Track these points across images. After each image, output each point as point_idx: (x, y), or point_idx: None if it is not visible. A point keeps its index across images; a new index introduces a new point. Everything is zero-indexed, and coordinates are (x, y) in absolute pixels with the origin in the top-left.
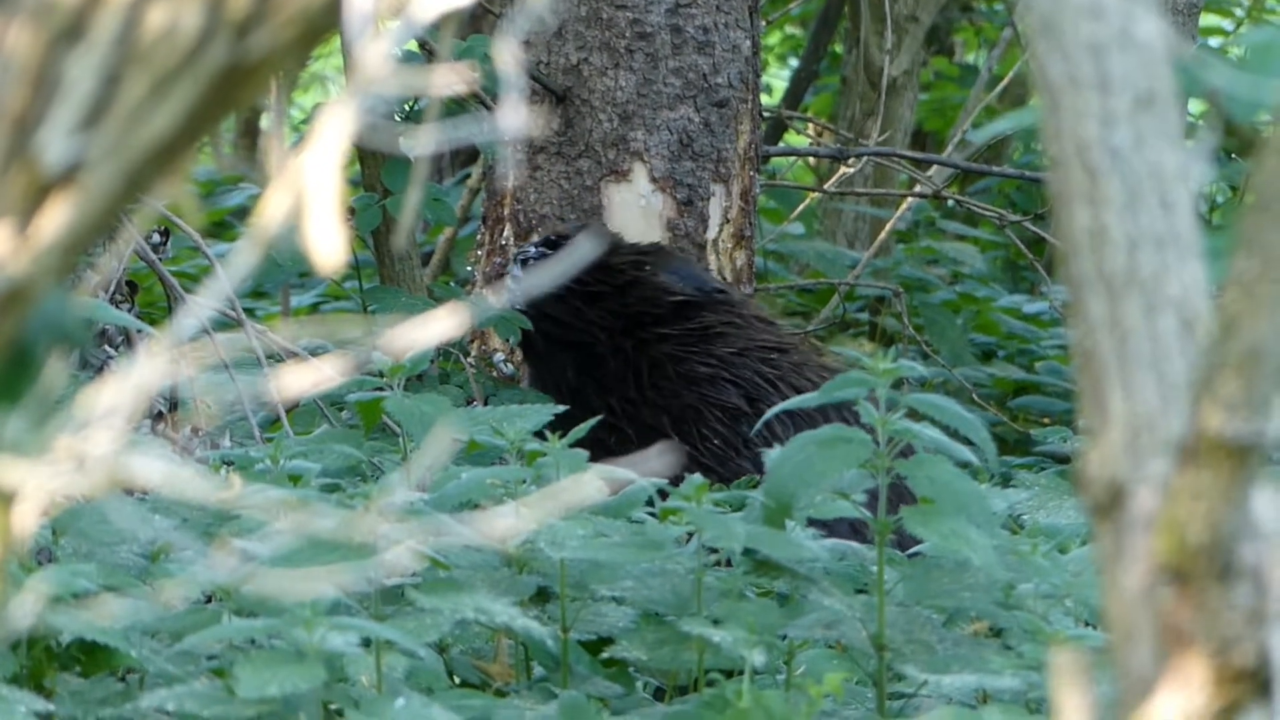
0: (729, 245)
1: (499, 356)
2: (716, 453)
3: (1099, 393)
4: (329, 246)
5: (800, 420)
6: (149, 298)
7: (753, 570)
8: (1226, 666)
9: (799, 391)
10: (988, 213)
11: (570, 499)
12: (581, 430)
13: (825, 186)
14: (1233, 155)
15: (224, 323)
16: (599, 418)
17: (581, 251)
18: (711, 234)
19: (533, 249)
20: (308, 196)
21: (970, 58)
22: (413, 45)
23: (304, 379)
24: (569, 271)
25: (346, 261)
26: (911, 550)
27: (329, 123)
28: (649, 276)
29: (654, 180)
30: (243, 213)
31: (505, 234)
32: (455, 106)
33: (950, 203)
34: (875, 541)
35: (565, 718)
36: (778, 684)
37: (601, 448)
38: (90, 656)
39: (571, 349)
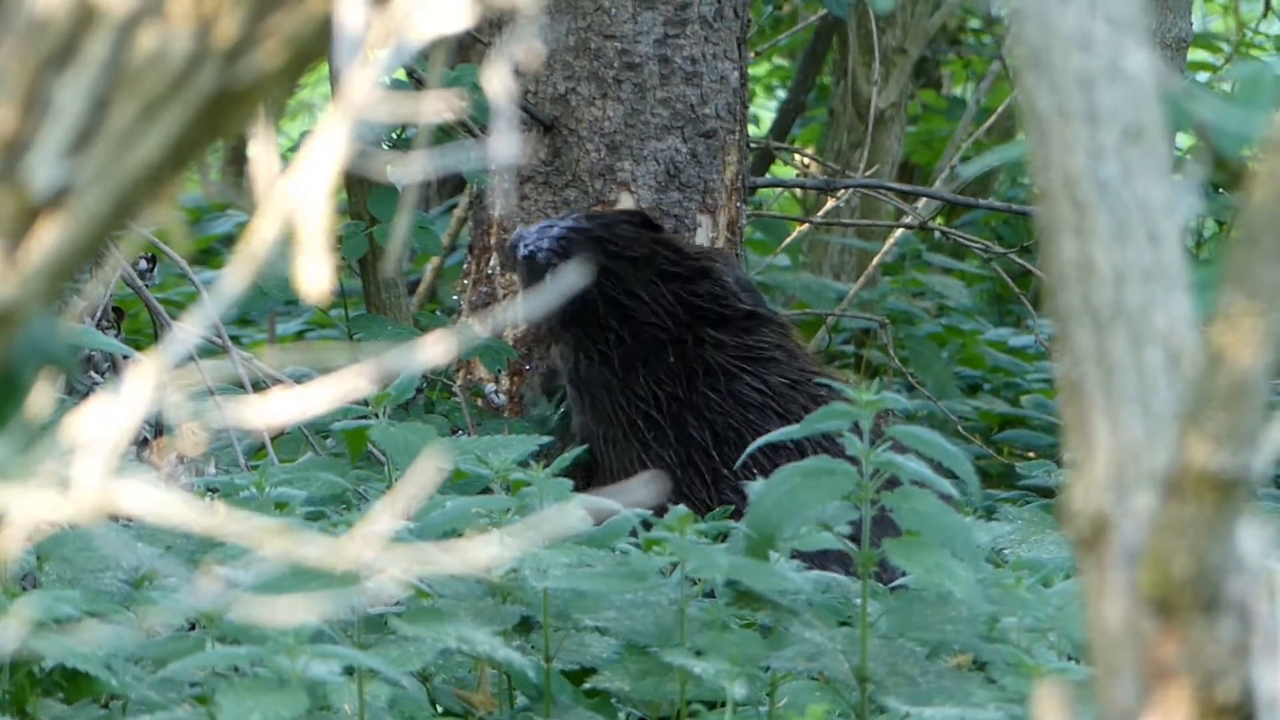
0: None
1: (490, 387)
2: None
3: (1085, 425)
4: (317, 275)
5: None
6: (135, 324)
7: (735, 601)
8: (1210, 701)
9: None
10: (974, 245)
11: (554, 528)
12: (566, 459)
13: (812, 218)
14: (1220, 189)
15: (210, 349)
16: (584, 448)
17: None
18: None
19: (570, 220)
20: (296, 224)
21: (958, 90)
22: (401, 73)
23: (289, 406)
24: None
25: (333, 289)
26: (894, 583)
27: (317, 150)
28: (720, 273)
29: None
30: (229, 240)
31: (491, 263)
32: (443, 135)
33: (937, 235)
34: (859, 573)
35: None
36: (760, 716)
37: (637, 439)
38: (73, 683)
39: (631, 324)
